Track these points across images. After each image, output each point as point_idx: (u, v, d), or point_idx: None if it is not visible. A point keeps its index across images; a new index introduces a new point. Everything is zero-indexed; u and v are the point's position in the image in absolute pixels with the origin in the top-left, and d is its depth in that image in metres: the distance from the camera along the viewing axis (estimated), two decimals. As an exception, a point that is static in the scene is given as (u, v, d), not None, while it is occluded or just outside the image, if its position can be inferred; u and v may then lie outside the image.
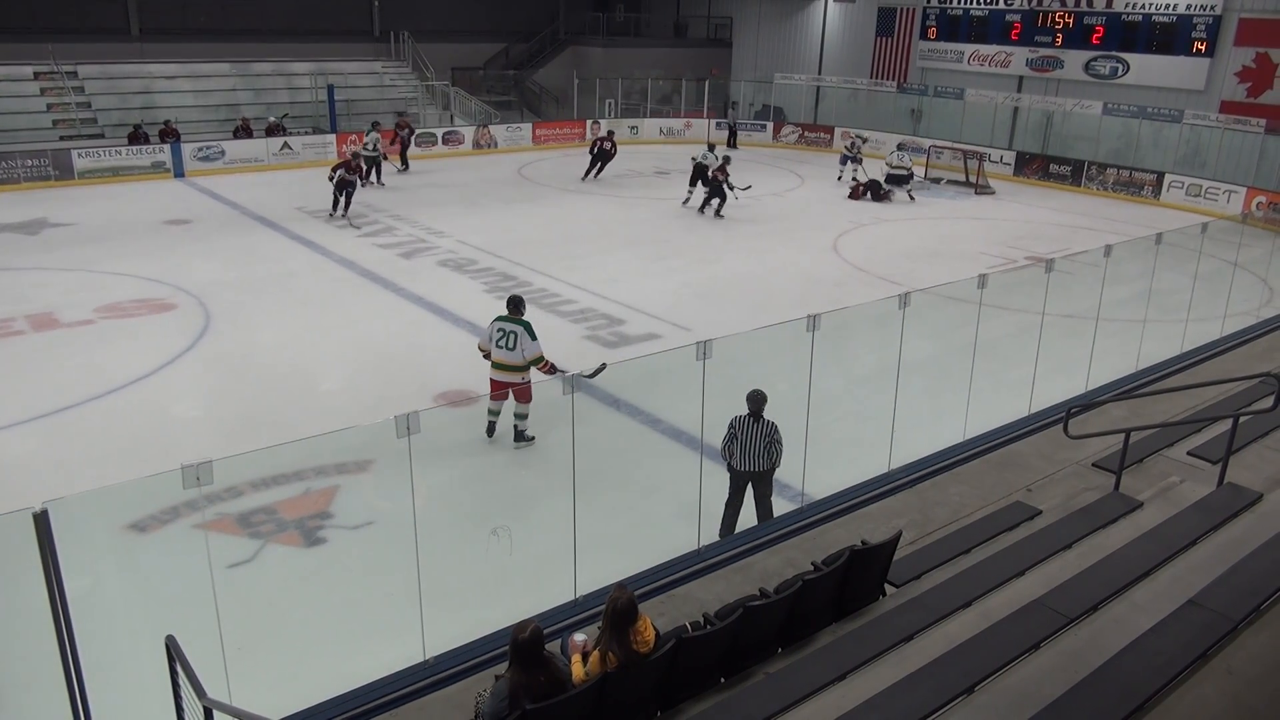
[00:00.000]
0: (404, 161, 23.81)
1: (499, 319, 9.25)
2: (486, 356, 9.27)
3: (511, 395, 9.16)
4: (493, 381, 9.21)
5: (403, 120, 24.86)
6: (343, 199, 18.45)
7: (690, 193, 20.30)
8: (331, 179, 18.34)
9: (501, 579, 7.08)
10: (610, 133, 23.87)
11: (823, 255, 17.12)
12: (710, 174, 19.44)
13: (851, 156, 23.22)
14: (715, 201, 19.48)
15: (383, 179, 22.16)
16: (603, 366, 9.58)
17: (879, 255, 17.15)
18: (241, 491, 8.06)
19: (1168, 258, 11.52)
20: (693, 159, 20.64)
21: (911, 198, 22.09)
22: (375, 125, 22.82)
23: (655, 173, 24.98)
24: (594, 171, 23.28)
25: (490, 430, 9.41)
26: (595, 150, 23.30)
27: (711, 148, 20.74)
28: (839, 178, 23.26)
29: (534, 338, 9.09)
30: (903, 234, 19.06)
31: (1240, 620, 5.08)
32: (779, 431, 7.36)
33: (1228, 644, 4.95)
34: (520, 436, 9.23)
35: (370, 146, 21.89)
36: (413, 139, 24.66)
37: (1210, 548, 6.04)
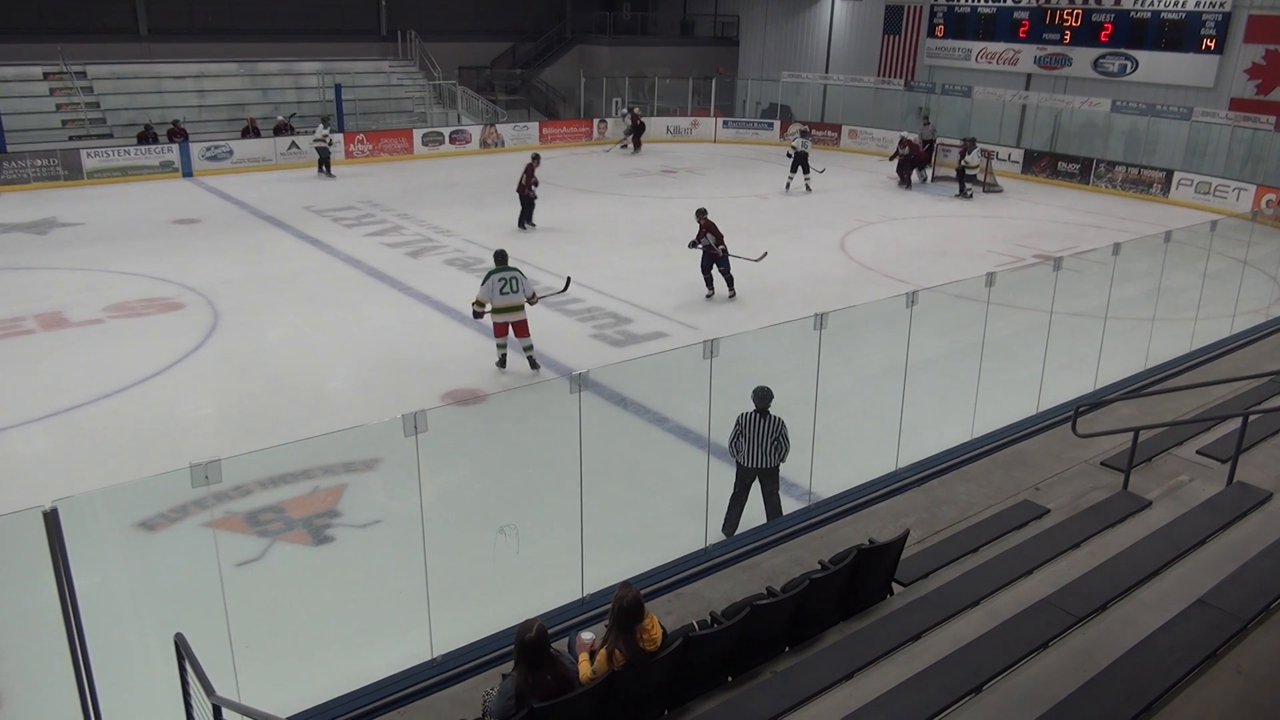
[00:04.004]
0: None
1: (495, 272, 10.77)
2: (477, 315, 10.85)
3: (512, 332, 10.87)
4: (497, 325, 10.89)
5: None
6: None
7: (791, 178, 22.52)
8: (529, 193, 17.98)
9: (509, 577, 7.08)
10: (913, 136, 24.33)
11: (830, 253, 17.09)
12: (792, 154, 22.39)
13: (799, 150, 22.43)
14: (800, 176, 22.37)
15: (332, 171, 22.99)
16: (569, 281, 12.26)
17: (886, 254, 17.11)
18: (250, 490, 8.08)
19: (1176, 256, 11.48)
20: (788, 153, 22.69)
21: (969, 196, 22.20)
22: (325, 120, 24.11)
23: (661, 171, 24.97)
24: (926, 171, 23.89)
25: (503, 362, 11.08)
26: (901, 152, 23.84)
27: (804, 133, 23.26)
28: (786, 186, 22.67)
29: (525, 277, 10.95)
30: (910, 232, 19.02)
31: (1250, 620, 5.06)
32: (786, 428, 7.35)
33: (1237, 643, 4.93)
34: (534, 364, 11.03)
35: (325, 139, 22.88)
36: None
37: (1219, 547, 6.02)
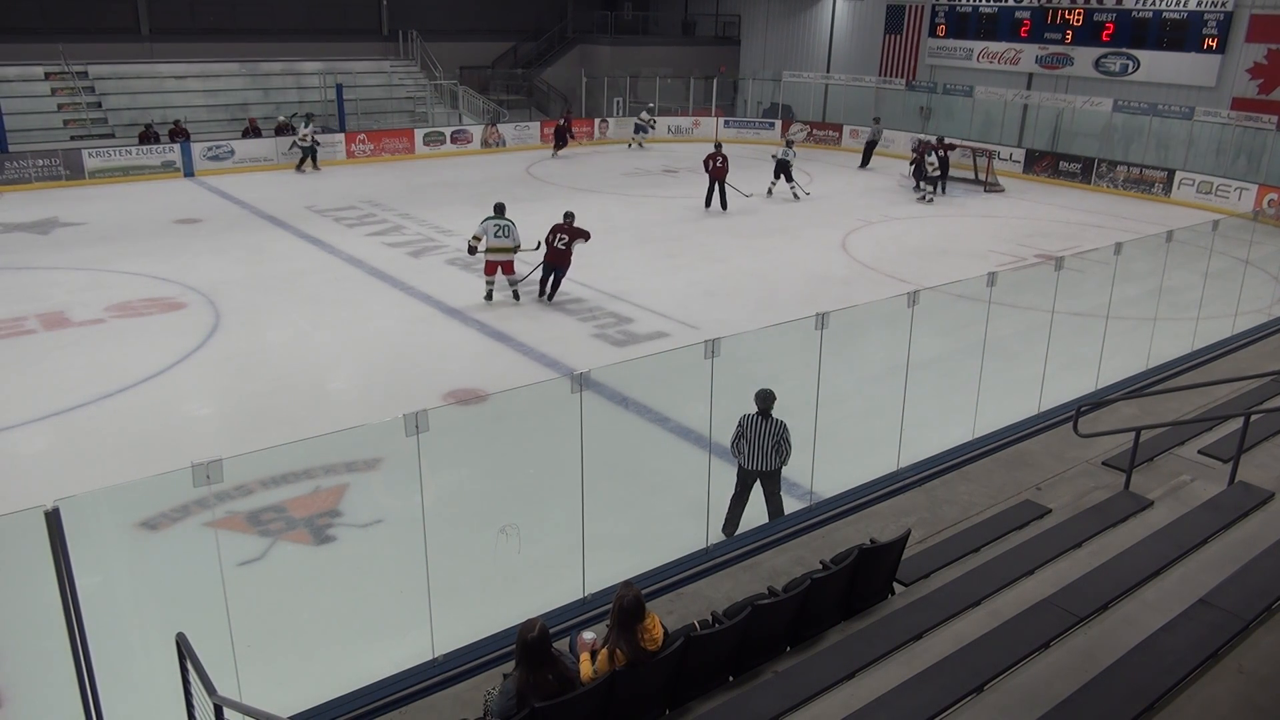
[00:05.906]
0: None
1: (491, 219, 13.15)
2: (471, 251, 13.33)
3: (501, 271, 13.24)
4: (489, 263, 13.24)
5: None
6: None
7: (774, 184, 22.06)
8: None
9: (510, 577, 7.08)
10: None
11: (831, 253, 17.09)
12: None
13: (783, 157, 21.96)
14: (784, 182, 21.80)
15: (318, 165, 23.69)
16: (539, 245, 13.60)
17: (887, 253, 17.11)
18: (251, 490, 8.08)
19: (1178, 255, 11.47)
20: (773, 156, 22.36)
21: (929, 200, 21.88)
22: (309, 117, 24.59)
23: (663, 171, 24.97)
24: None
25: (489, 296, 13.44)
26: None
27: (789, 143, 22.70)
28: (767, 189, 22.14)
29: (516, 228, 13.17)
30: (911, 232, 19.02)
31: (1251, 620, 5.06)
32: (788, 431, 7.35)
33: (1239, 643, 4.93)
34: (516, 296, 13.47)
35: (307, 139, 23.47)
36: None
37: (1221, 547, 6.02)
